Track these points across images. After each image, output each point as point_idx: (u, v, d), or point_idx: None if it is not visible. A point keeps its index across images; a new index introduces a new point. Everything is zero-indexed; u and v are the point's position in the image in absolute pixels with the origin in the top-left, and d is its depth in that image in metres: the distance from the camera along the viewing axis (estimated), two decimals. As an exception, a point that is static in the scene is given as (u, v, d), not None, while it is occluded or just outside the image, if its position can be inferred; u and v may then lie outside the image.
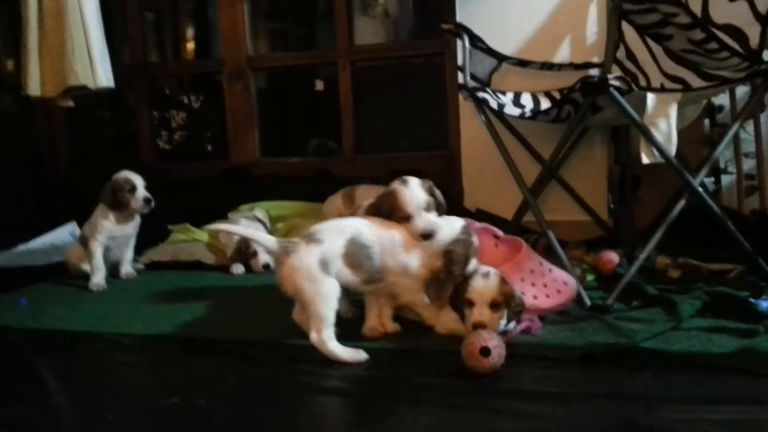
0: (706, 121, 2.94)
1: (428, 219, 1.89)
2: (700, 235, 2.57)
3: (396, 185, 1.95)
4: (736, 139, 2.75)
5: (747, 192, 2.93)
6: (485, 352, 1.61)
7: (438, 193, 1.99)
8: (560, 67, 2.81)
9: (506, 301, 1.80)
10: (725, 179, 3.00)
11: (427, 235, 1.88)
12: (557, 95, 2.75)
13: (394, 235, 1.88)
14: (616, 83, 2.02)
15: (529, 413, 1.42)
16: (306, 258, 1.78)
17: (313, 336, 1.78)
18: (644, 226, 2.93)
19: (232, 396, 1.61)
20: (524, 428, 1.36)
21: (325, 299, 1.77)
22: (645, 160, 2.11)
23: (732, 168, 3.00)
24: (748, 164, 2.91)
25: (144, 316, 2.27)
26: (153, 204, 2.86)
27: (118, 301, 2.53)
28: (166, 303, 2.44)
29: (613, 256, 2.49)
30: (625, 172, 3.04)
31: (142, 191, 2.84)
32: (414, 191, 1.91)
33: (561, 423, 1.38)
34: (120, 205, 2.82)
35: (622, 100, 2.04)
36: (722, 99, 2.98)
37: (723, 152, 2.87)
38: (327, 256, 1.80)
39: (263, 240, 1.91)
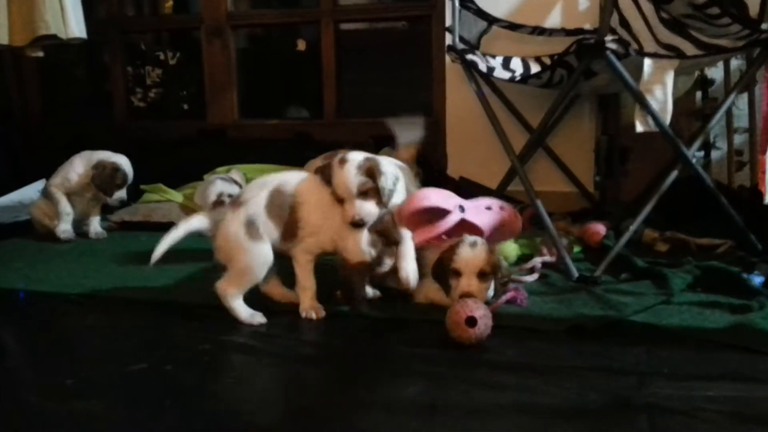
0: (698, 94, 2.87)
1: (358, 208, 1.70)
2: (687, 208, 2.51)
3: (335, 161, 1.75)
4: (728, 113, 2.69)
5: (735, 167, 2.89)
6: (471, 322, 1.54)
7: (384, 175, 1.71)
8: (551, 32, 2.72)
9: (493, 272, 1.74)
10: (713, 154, 2.95)
11: (356, 224, 1.71)
12: (548, 61, 2.66)
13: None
14: (614, 46, 1.94)
15: (517, 386, 1.36)
16: (232, 225, 1.75)
17: (221, 285, 1.77)
18: (630, 198, 2.87)
19: (204, 362, 1.52)
20: (513, 402, 1.30)
21: (251, 264, 1.74)
22: (639, 128, 2.04)
23: (719, 143, 2.95)
24: (737, 140, 2.86)
25: (113, 278, 2.18)
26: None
27: (86, 260, 2.42)
28: (137, 264, 2.34)
29: (599, 228, 2.43)
30: (613, 144, 2.97)
31: (123, 193, 2.82)
32: (347, 174, 1.70)
33: (551, 397, 1.31)
34: (103, 191, 2.77)
35: (619, 65, 1.96)
36: (714, 73, 2.91)
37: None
38: (251, 214, 1.75)
39: (193, 225, 1.84)
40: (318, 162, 3.23)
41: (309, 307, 1.79)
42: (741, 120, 2.80)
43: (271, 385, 1.42)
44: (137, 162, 3.57)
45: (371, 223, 1.73)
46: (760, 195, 2.57)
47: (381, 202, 1.72)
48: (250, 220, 1.74)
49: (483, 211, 1.87)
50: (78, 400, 1.34)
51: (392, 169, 1.75)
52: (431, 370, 1.46)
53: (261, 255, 1.74)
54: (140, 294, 2.01)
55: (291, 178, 1.82)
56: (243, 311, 1.77)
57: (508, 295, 1.78)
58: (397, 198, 1.77)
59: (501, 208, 1.89)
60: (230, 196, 2.78)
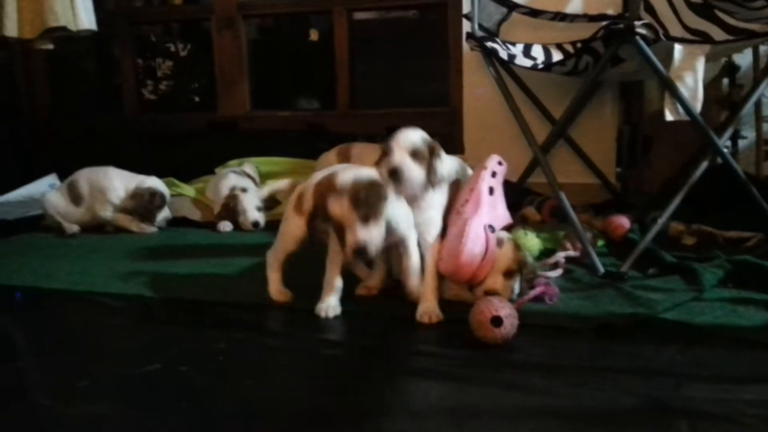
0: (725, 81, 2.78)
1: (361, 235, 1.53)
2: (714, 200, 2.43)
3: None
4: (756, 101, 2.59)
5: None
6: (497, 321, 1.47)
7: (375, 199, 1.55)
8: (573, 17, 2.63)
9: (519, 269, 1.67)
10: (740, 143, 2.86)
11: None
12: (570, 48, 2.58)
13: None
14: (644, 31, 1.85)
15: (546, 389, 1.29)
16: (295, 192, 1.82)
17: (268, 253, 1.85)
18: (653, 189, 2.79)
19: (218, 363, 1.47)
20: (542, 406, 1.23)
21: (282, 234, 1.82)
22: (669, 117, 1.96)
23: (745, 132, 2.86)
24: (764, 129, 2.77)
25: (124, 275, 2.12)
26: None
27: (97, 257, 2.37)
28: (149, 261, 2.29)
29: (624, 221, 2.35)
30: (636, 133, 2.88)
31: (166, 212, 2.82)
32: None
33: (582, 400, 1.24)
34: (146, 218, 2.77)
35: (649, 51, 1.88)
36: (740, 58, 2.83)
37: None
38: (304, 190, 1.76)
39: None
40: (332, 155, 3.18)
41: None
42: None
43: (289, 386, 1.36)
44: (148, 155, 3.54)
45: None
46: (791, 186, 2.48)
47: None
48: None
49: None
50: (91, 403, 1.29)
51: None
52: (456, 371, 1.39)
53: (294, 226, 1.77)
54: (151, 291, 1.95)
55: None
56: (272, 284, 1.82)
57: (537, 290, 1.71)
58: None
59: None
60: (243, 189, 2.74)
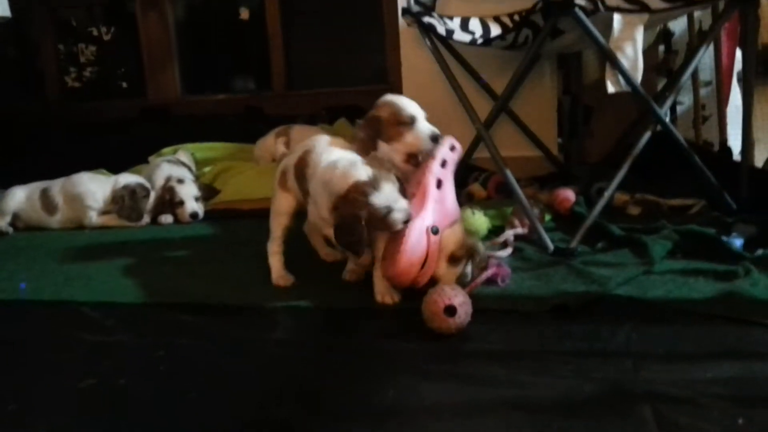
0: (660, 48, 2.79)
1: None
2: (656, 167, 2.44)
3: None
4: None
5: (693, 123, 2.83)
6: (450, 311, 1.42)
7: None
8: (509, -11, 2.58)
9: (470, 256, 1.62)
10: (677, 109, 2.88)
11: None
12: (507, 21, 2.53)
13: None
14: (582, 2, 1.81)
15: (507, 379, 1.25)
16: (276, 170, 1.83)
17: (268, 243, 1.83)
18: (596, 160, 2.79)
19: (159, 373, 1.38)
20: (506, 397, 1.19)
21: (273, 212, 1.81)
22: (611, 89, 1.93)
23: (682, 98, 2.88)
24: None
25: (53, 278, 2.00)
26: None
27: (23, 259, 2.23)
28: (79, 261, 2.17)
29: (569, 194, 2.33)
30: (576, 103, 2.87)
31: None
32: None
33: (545, 389, 1.21)
34: (136, 218, 2.64)
35: (588, 22, 1.84)
36: (673, 24, 2.83)
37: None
38: (285, 167, 1.77)
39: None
40: (271, 139, 3.08)
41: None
42: (703, 73, 2.73)
43: (237, 395, 1.28)
44: (75, 145, 3.38)
45: None
46: (730, 151, 2.51)
47: None
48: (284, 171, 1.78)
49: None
50: (21, 429, 1.19)
51: None
52: (413, 365, 1.34)
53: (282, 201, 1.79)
54: (83, 294, 1.83)
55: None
56: (274, 269, 1.81)
57: (489, 271, 1.67)
58: None
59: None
60: (179, 180, 2.62)
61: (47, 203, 2.65)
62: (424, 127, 1.74)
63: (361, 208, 1.52)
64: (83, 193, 2.62)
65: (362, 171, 1.56)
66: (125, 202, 2.57)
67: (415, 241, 1.58)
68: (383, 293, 1.64)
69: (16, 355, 1.55)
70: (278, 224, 1.81)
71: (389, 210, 1.54)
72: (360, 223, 1.52)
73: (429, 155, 1.73)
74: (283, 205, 1.79)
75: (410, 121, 1.72)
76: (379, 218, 1.54)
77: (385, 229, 1.58)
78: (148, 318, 1.67)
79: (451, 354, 1.38)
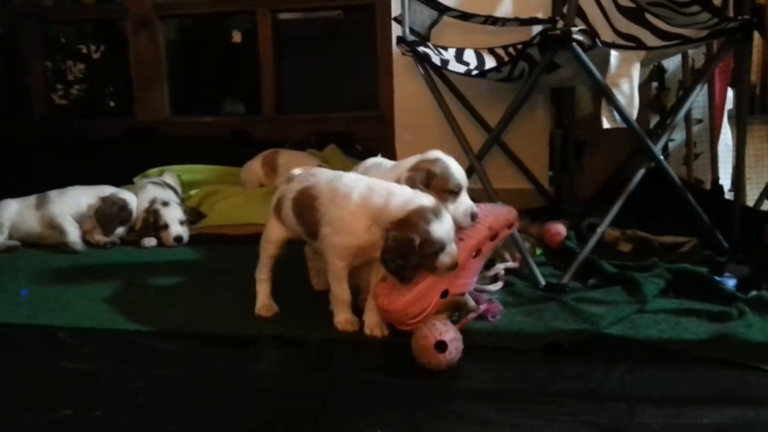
0: (654, 84, 2.79)
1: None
2: (648, 204, 2.42)
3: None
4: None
5: (684, 161, 2.83)
6: (441, 346, 1.39)
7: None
8: (504, 21, 2.59)
9: (456, 309, 1.61)
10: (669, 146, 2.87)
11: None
12: (502, 53, 2.53)
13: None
14: (580, 37, 1.81)
15: (499, 420, 1.21)
16: (274, 195, 1.78)
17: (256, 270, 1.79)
18: (587, 194, 2.77)
19: (139, 404, 1.32)
20: (497, 441, 1.15)
21: (263, 239, 1.77)
22: (606, 124, 1.93)
23: (674, 135, 2.88)
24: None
25: (31, 302, 1.93)
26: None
27: (2, 280, 2.16)
28: (58, 284, 2.09)
29: (560, 229, 2.31)
30: (568, 137, 2.86)
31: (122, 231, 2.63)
32: None
33: (537, 432, 1.17)
34: (103, 227, 2.57)
35: (585, 57, 1.84)
36: (666, 62, 2.84)
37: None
38: (282, 197, 1.73)
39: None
40: (257, 166, 3.05)
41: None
42: (695, 111, 2.73)
43: (218, 427, 1.23)
44: (60, 164, 3.32)
45: None
46: (721, 189, 2.51)
47: None
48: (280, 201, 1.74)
49: None
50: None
51: None
52: (402, 404, 1.30)
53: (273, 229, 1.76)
54: (61, 320, 1.76)
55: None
56: (259, 298, 1.77)
57: (481, 307, 1.63)
58: None
59: None
60: (164, 203, 2.57)
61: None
62: (465, 202, 1.66)
63: (419, 234, 1.47)
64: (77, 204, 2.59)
65: (426, 199, 1.53)
66: (112, 210, 2.53)
67: (425, 293, 1.54)
68: (372, 326, 1.60)
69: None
70: (266, 252, 1.77)
71: (441, 247, 1.49)
72: (414, 248, 1.47)
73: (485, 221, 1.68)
74: (273, 234, 1.75)
75: (456, 191, 1.66)
76: (428, 253, 1.49)
77: (424, 267, 1.52)
78: (128, 346, 1.61)
79: (442, 392, 1.34)
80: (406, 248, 1.47)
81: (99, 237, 2.57)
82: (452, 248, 1.52)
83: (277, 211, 1.74)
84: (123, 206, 2.56)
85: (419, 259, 1.49)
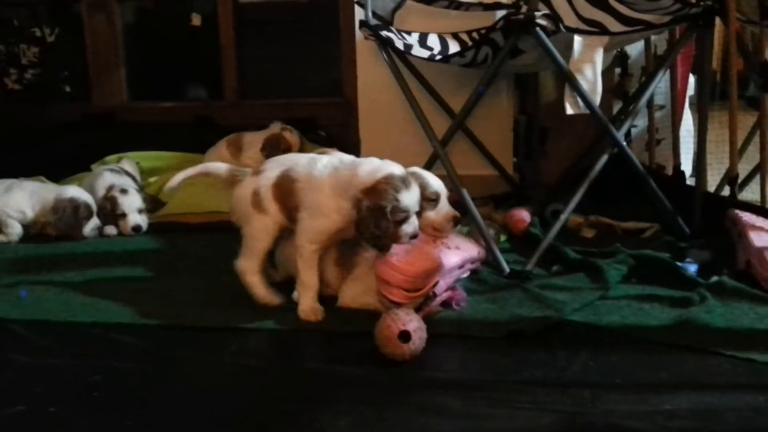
0: (617, 70, 2.80)
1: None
2: (610, 190, 2.43)
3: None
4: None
5: (646, 147, 2.85)
6: (405, 336, 1.37)
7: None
8: (468, 6, 2.55)
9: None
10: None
11: None
12: (466, 38, 2.50)
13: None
14: (544, 22, 1.79)
15: (463, 410, 1.21)
16: (243, 190, 1.70)
17: (238, 263, 1.70)
18: (551, 180, 2.78)
19: (93, 399, 1.29)
20: (461, 429, 1.14)
21: (250, 236, 1.69)
22: (569, 110, 1.92)
23: (636, 121, 2.89)
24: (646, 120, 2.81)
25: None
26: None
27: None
28: (10, 275, 2.02)
29: (524, 215, 2.31)
30: (532, 123, 2.86)
31: (96, 221, 2.48)
32: None
33: (502, 421, 1.17)
34: (71, 233, 2.42)
35: (549, 43, 1.82)
36: (629, 48, 2.85)
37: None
38: (257, 188, 1.67)
39: (214, 169, 1.79)
40: (222, 147, 3.00)
41: (309, 308, 1.62)
42: (657, 97, 2.75)
43: (177, 425, 1.20)
44: (13, 152, 3.22)
45: None
46: (683, 175, 2.53)
47: None
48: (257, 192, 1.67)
49: None
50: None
51: None
52: (364, 394, 1.29)
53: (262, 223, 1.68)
54: (12, 312, 1.71)
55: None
56: (259, 288, 1.69)
57: (444, 295, 1.62)
58: None
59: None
60: (123, 190, 2.51)
61: None
62: (446, 207, 1.70)
63: (388, 201, 1.48)
64: (10, 208, 2.44)
65: (396, 168, 1.54)
66: (66, 214, 2.42)
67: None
68: (307, 312, 1.61)
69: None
70: (259, 248, 1.69)
71: (407, 216, 1.51)
72: (386, 215, 1.48)
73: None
74: (260, 229, 1.68)
75: (435, 198, 1.68)
76: (395, 220, 1.50)
77: (387, 238, 1.51)
78: (85, 339, 1.57)
79: (406, 382, 1.33)
80: (378, 216, 1.48)
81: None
82: (415, 220, 1.53)
83: (256, 204, 1.67)
84: (75, 206, 2.43)
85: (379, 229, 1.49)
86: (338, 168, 1.59)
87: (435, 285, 1.57)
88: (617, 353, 1.43)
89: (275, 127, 2.99)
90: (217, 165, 1.80)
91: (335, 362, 1.42)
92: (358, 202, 1.50)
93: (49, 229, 2.46)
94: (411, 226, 1.52)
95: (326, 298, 1.67)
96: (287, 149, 2.89)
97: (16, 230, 2.43)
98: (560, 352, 1.43)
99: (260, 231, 1.68)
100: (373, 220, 1.48)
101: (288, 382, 1.36)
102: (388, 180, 1.50)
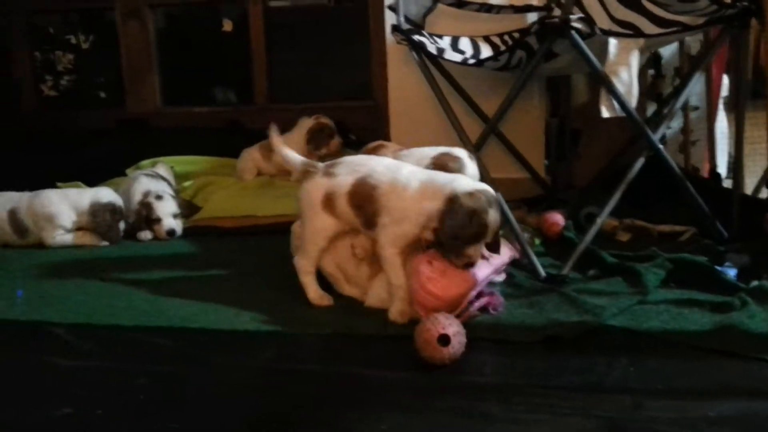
0: (650, 72, 2.78)
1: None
2: (645, 193, 2.41)
3: None
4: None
5: (680, 148, 2.82)
6: (444, 340, 1.37)
7: None
8: (499, 9, 2.56)
9: None
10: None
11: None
12: (497, 41, 2.50)
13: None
14: (579, 25, 1.79)
15: (504, 416, 1.20)
16: (314, 188, 1.71)
17: (296, 260, 1.76)
18: (583, 183, 2.76)
19: (139, 403, 1.31)
20: (503, 437, 1.14)
21: (310, 232, 1.72)
22: (605, 113, 1.91)
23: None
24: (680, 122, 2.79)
25: (28, 298, 1.90)
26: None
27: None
28: (53, 280, 2.07)
29: (558, 218, 2.30)
30: (564, 125, 2.85)
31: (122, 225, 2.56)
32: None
33: (542, 427, 1.16)
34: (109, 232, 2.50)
35: (584, 46, 1.82)
36: (662, 49, 2.82)
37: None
38: (331, 192, 1.68)
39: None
40: (255, 151, 3.02)
41: (398, 311, 1.63)
42: (691, 98, 2.72)
43: (218, 427, 1.22)
44: (50, 156, 3.28)
45: None
46: (719, 177, 2.50)
47: None
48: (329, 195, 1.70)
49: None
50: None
51: None
52: (404, 399, 1.29)
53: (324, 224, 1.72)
54: (56, 316, 1.73)
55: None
56: (311, 289, 1.74)
57: (482, 300, 1.62)
58: None
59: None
60: (158, 196, 2.54)
61: (17, 226, 2.50)
62: None
63: (482, 209, 1.54)
64: (54, 214, 2.49)
65: (490, 188, 1.61)
66: (106, 218, 2.47)
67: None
68: (395, 314, 1.62)
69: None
70: (317, 246, 1.73)
71: (483, 234, 1.56)
72: (472, 221, 1.53)
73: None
74: (324, 228, 1.71)
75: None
76: (471, 234, 1.54)
77: (451, 252, 1.56)
78: (127, 342, 1.59)
79: (445, 386, 1.33)
80: (469, 218, 1.53)
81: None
82: (482, 248, 1.58)
83: (327, 205, 1.69)
84: (113, 210, 2.50)
85: (452, 238, 1.54)
86: (435, 176, 1.63)
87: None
88: (657, 359, 1.41)
89: (307, 121, 3.00)
90: (294, 155, 1.79)
91: (374, 366, 1.42)
92: (453, 199, 1.54)
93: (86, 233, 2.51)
94: (476, 249, 1.57)
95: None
96: (331, 134, 2.92)
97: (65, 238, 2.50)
98: (599, 358, 1.42)
99: (320, 230, 1.72)
100: (462, 220, 1.53)
101: (326, 387, 1.36)
102: (486, 193, 1.57)
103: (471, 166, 1.82)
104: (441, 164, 1.80)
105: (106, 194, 2.54)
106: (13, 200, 2.52)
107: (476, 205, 1.54)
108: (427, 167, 1.77)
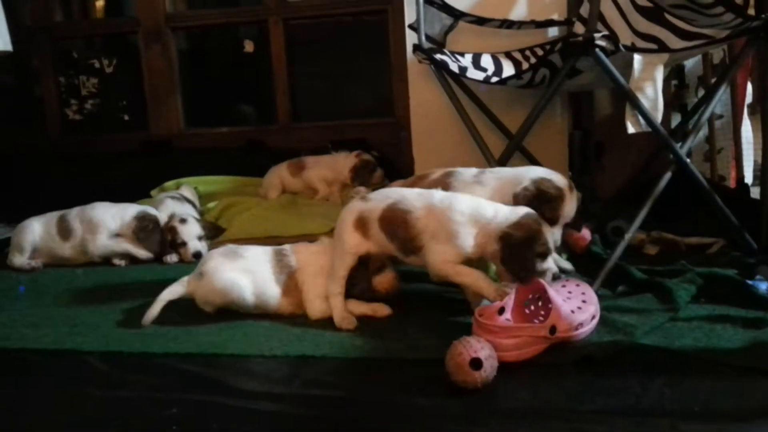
0: (673, 83, 2.76)
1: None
2: (672, 204, 2.39)
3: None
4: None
5: (705, 157, 2.80)
6: (476, 364, 1.36)
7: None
8: (520, 25, 2.56)
9: None
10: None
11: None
12: (519, 57, 2.50)
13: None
14: (603, 43, 1.78)
15: (542, 443, 1.19)
16: (348, 211, 1.79)
17: (327, 281, 1.80)
18: (607, 196, 2.74)
19: (174, 432, 1.31)
20: (539, 465, 1.13)
21: (341, 251, 1.77)
22: (631, 129, 1.89)
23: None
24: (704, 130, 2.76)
25: (58, 324, 1.91)
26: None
27: (28, 302, 2.16)
28: (83, 305, 2.09)
29: (585, 233, 2.28)
30: (587, 138, 2.83)
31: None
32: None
33: (580, 454, 1.15)
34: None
35: (609, 63, 1.81)
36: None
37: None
38: (364, 216, 1.75)
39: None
40: (283, 169, 3.05)
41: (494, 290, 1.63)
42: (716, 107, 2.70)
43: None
44: (76, 179, 3.32)
45: None
46: (747, 188, 2.47)
47: None
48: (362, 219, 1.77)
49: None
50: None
51: None
52: (438, 425, 1.28)
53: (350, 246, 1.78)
54: (88, 344, 1.75)
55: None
56: (338, 311, 1.77)
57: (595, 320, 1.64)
58: None
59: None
60: (182, 219, 2.56)
61: (63, 229, 2.59)
62: (557, 234, 1.81)
63: (535, 236, 1.59)
64: (103, 218, 2.58)
65: (532, 211, 1.66)
66: (149, 227, 2.55)
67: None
68: (494, 294, 1.61)
69: (16, 410, 1.46)
70: (345, 264, 1.77)
71: (545, 254, 1.62)
72: (532, 248, 1.59)
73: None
74: (354, 246, 1.76)
75: (557, 222, 1.81)
76: (538, 252, 1.60)
77: (530, 271, 1.59)
78: (158, 369, 1.59)
79: (479, 412, 1.32)
80: (524, 249, 1.58)
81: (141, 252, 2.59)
82: (552, 260, 1.65)
83: (359, 226, 1.76)
84: (157, 222, 2.58)
85: (520, 262, 1.59)
86: (480, 203, 1.67)
87: None
88: (692, 378, 1.39)
89: (349, 158, 3.03)
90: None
91: (406, 391, 1.42)
92: (504, 238, 1.59)
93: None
94: (550, 263, 1.62)
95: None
96: (373, 169, 2.95)
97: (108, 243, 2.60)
98: (633, 379, 1.40)
99: (348, 249, 1.76)
100: (524, 243, 1.58)
101: (354, 416, 1.35)
102: (532, 215, 1.63)
103: (570, 200, 1.82)
104: (542, 191, 1.80)
105: (153, 210, 2.65)
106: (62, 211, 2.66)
107: (528, 233, 1.59)
108: (520, 193, 1.79)
